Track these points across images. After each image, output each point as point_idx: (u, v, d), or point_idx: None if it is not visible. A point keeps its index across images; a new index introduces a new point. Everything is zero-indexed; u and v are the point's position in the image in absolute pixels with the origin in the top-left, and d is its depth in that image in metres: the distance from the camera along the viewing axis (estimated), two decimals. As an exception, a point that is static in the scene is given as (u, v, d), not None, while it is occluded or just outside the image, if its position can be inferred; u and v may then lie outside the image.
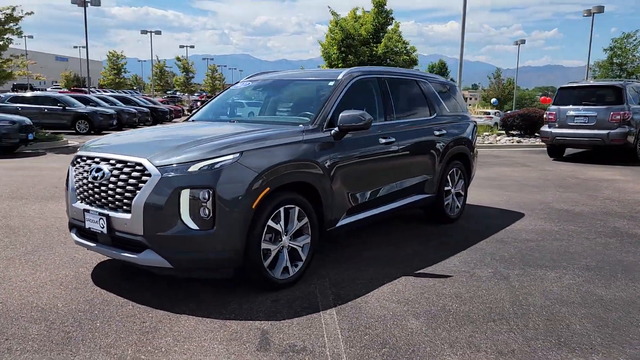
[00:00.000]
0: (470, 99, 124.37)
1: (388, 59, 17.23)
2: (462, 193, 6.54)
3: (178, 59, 55.36)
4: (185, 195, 3.56)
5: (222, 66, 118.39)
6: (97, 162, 3.95)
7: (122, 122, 24.22)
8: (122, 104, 27.68)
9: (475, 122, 7.10)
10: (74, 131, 21.57)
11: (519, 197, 8.08)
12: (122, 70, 55.09)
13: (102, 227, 3.82)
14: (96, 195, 3.90)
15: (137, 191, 3.64)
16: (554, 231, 6.00)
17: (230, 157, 3.70)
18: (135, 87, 77.54)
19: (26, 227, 5.89)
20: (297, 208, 4.09)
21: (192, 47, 71.51)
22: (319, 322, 3.48)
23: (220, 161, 3.65)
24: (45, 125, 19.92)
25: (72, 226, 4.27)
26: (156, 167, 3.63)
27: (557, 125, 13.49)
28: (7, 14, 16.42)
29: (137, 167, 3.70)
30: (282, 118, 5.07)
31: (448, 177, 6.17)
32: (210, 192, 3.56)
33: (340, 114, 4.48)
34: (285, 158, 4.00)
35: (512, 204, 7.57)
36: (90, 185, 3.95)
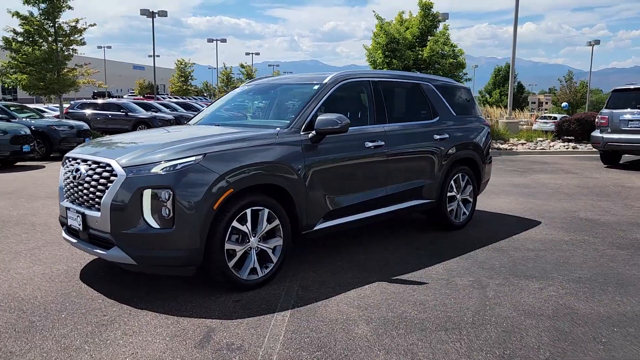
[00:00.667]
0: (546, 103, 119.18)
1: (436, 63, 16.93)
2: (470, 199, 6.35)
3: (242, 65, 56.88)
4: (147, 195, 3.72)
5: (288, 72, 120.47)
6: (78, 163, 4.20)
7: (180, 127, 25.17)
8: (183, 109, 28.84)
9: (488, 127, 6.87)
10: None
11: (544, 205, 7.72)
12: (190, 77, 57.24)
13: (79, 225, 4.05)
14: (75, 194, 4.15)
15: (106, 190, 3.84)
16: (562, 241, 5.70)
17: (192, 159, 3.82)
18: (205, 94, 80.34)
19: (46, 225, 6.31)
20: (266, 210, 4.16)
21: (257, 54, 73.37)
22: (268, 323, 3.53)
23: (181, 163, 3.78)
24: (110, 130, 21.21)
25: (62, 223, 4.54)
26: (122, 167, 3.81)
27: (609, 130, 12.74)
28: (71, 26, 17.58)
29: (107, 168, 3.90)
30: (265, 121, 5.15)
31: (452, 182, 6.02)
32: (170, 192, 3.69)
33: (317, 118, 4.51)
34: (251, 160, 4.07)
35: (533, 211, 7.26)
36: (71, 184, 4.21)
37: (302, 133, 4.52)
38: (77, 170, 4.13)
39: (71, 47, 17.97)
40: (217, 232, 3.86)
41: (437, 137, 5.79)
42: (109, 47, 71.44)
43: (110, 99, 35.31)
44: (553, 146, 17.13)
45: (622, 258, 5.08)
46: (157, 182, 3.72)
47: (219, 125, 5.05)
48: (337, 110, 4.95)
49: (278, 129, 4.51)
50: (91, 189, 3.98)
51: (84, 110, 23.24)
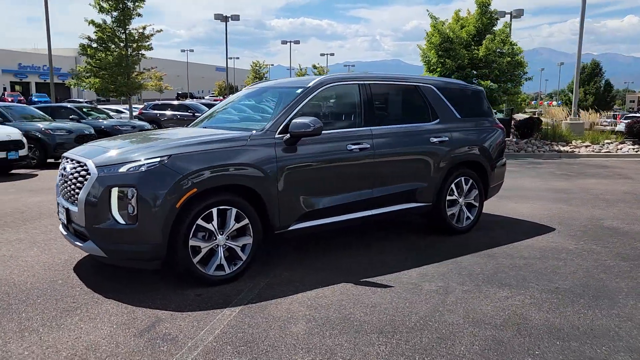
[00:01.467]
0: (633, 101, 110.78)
1: (493, 63, 16.35)
2: (476, 204, 6.18)
3: (314, 66, 57.66)
4: (115, 192, 4.01)
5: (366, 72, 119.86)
6: (67, 162, 4.59)
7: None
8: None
9: (502, 129, 6.64)
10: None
11: (571, 212, 7.33)
12: (265, 78, 58.91)
13: (65, 219, 4.43)
14: (63, 191, 4.54)
15: (82, 187, 4.18)
16: (564, 249, 5.43)
17: (157, 159, 4.07)
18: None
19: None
20: (234, 209, 4.33)
21: (332, 54, 74.00)
22: (213, 317, 3.69)
23: (146, 163, 4.04)
24: None
25: (59, 218, 4.96)
26: (95, 166, 4.13)
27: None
28: (139, 33, 18.73)
29: (84, 167, 4.24)
30: (248, 124, 5.29)
31: (453, 186, 5.90)
32: (135, 190, 3.96)
33: (292, 121, 4.62)
34: (217, 162, 4.26)
35: (554, 218, 6.92)
36: (61, 181, 4.60)
37: (277, 136, 4.64)
38: (65, 168, 4.51)
39: (140, 52, 19.10)
40: (180, 229, 4.08)
41: (435, 139, 5.71)
42: (192, 51, 74.81)
43: (184, 100, 37.05)
44: (621, 149, 16.04)
45: (619, 270, 4.78)
46: (123, 181, 4.00)
47: (207, 127, 5.29)
48: (320, 113, 5.05)
49: (254, 131, 4.67)
50: (72, 186, 4.34)
51: (155, 111, 24.64)
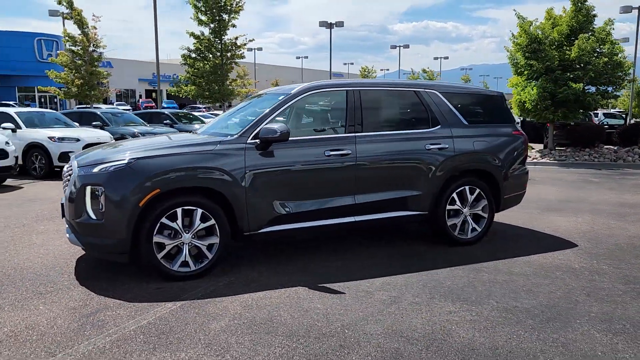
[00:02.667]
0: None
1: (587, 64, 15.06)
2: (484, 215, 5.86)
3: (424, 70, 56.63)
4: (88, 190, 4.46)
5: (485, 75, 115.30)
6: (70, 162, 5.16)
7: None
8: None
9: (522, 137, 6.21)
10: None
11: (613, 229, 6.65)
12: (373, 84, 59.03)
13: (61, 213, 4.99)
14: (64, 187, 5.11)
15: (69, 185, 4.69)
16: (567, 268, 4.99)
17: (125, 161, 4.46)
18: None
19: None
20: (199, 210, 4.59)
21: (446, 58, 72.20)
22: (153, 309, 3.97)
23: (114, 164, 4.44)
24: None
25: None
26: (77, 166, 4.63)
27: None
28: (233, 43, 19.91)
29: (72, 166, 4.76)
30: (228, 130, 5.43)
31: (455, 195, 5.66)
32: (102, 189, 4.38)
33: (262, 127, 4.79)
34: (181, 165, 4.54)
35: (587, 234, 6.33)
36: (64, 179, 5.18)
37: (249, 141, 4.83)
38: (64, 167, 5.09)
39: (233, 61, 20.30)
40: (144, 226, 4.42)
41: (431, 146, 5.53)
42: (306, 57, 76.99)
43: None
44: None
45: (607, 293, 4.31)
46: (94, 180, 4.44)
47: (205, 132, 5.61)
48: (301, 119, 5.14)
49: (229, 136, 4.90)
50: (65, 184, 4.88)
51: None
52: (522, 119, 19.65)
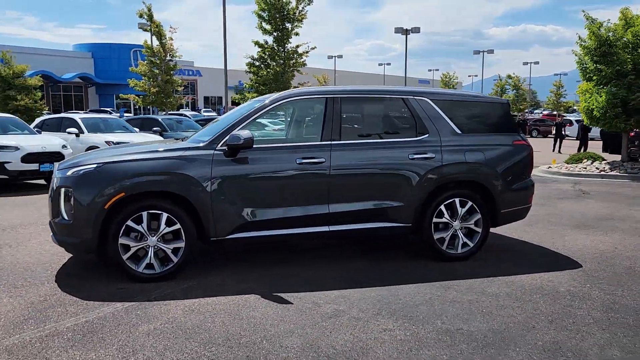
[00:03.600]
0: None
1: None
2: (477, 230, 5.52)
3: (509, 76, 54.37)
4: (62, 192, 4.73)
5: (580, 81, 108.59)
6: None
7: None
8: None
9: (527, 147, 5.79)
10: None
11: (632, 251, 6.01)
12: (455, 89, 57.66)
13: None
14: None
15: (52, 187, 5.01)
16: (545, 290, 4.58)
17: (93, 166, 4.69)
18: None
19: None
20: (165, 214, 4.72)
21: (537, 63, 68.87)
22: (100, 309, 4.12)
23: (83, 169, 4.69)
24: None
25: None
26: (57, 169, 4.92)
27: None
28: (294, 51, 20.28)
29: (54, 170, 5.08)
30: (203, 137, 5.40)
31: (443, 207, 5.39)
32: (72, 191, 4.63)
33: (229, 134, 4.85)
34: (146, 170, 4.71)
35: (600, 254, 5.78)
36: None
37: (219, 148, 4.89)
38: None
39: (295, 68, 20.66)
40: (110, 227, 4.62)
41: (416, 155, 5.30)
42: (389, 64, 76.45)
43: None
44: None
45: (574, 321, 3.91)
46: (66, 183, 4.71)
47: (172, 139, 5.77)
48: (277, 126, 5.14)
49: (200, 143, 5.00)
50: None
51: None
52: (599, 128, 18.31)
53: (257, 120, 5.20)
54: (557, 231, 6.93)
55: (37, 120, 15.58)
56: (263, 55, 20.43)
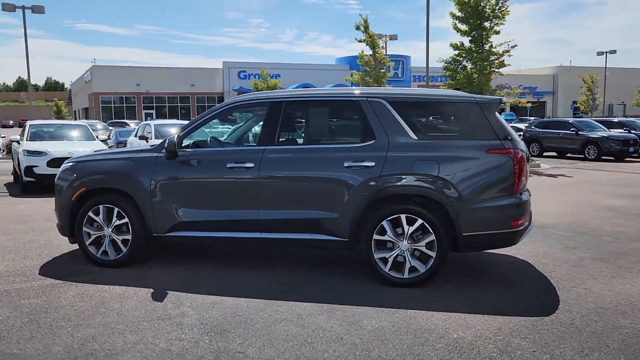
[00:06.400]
0: None
1: None
2: (431, 254, 4.66)
3: None
4: (56, 185, 5.80)
5: None
6: None
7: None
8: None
9: (508, 156, 4.58)
10: (582, 156, 21.26)
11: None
12: None
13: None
14: None
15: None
16: (452, 339, 3.68)
17: (70, 163, 5.62)
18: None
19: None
20: (116, 209, 5.36)
21: None
22: (40, 281, 4.95)
23: (65, 166, 5.66)
24: (558, 149, 22.21)
25: None
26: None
27: None
28: (489, 51, 18.81)
29: None
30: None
31: (385, 223, 4.74)
32: (57, 184, 5.65)
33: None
34: (102, 169, 5.44)
35: (594, 299, 4.25)
36: None
37: (162, 151, 5.30)
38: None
39: (493, 70, 19.11)
40: (77, 217, 5.47)
41: (352, 164, 4.79)
42: (614, 52, 60.00)
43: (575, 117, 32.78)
44: None
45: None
46: (58, 177, 5.73)
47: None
48: (225, 131, 5.34)
49: (154, 147, 5.49)
50: None
51: (538, 129, 23.63)
52: None
53: (205, 125, 5.44)
54: (574, 260, 5.24)
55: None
56: (457, 58, 19.46)
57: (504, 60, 19.09)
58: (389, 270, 4.76)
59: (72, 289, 4.74)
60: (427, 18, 22.66)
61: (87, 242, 5.47)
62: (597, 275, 5.09)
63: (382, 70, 25.43)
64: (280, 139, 5.12)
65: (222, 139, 5.90)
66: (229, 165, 5.08)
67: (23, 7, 26.82)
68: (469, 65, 19.58)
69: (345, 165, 4.81)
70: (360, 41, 25.49)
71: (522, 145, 4.80)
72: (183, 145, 5.33)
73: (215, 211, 5.16)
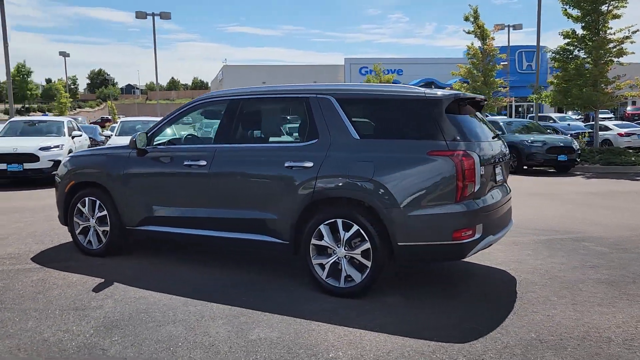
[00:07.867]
0: None
1: None
2: (366, 263, 4.28)
3: None
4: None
5: None
6: None
7: None
8: None
9: (451, 160, 4.01)
10: None
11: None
12: None
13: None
14: None
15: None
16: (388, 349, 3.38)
17: (68, 158, 6.07)
18: None
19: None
20: (97, 201, 5.70)
21: None
22: (23, 264, 5.44)
23: (64, 161, 6.12)
24: None
25: None
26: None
27: None
28: (603, 38, 16.69)
29: None
30: None
31: (323, 228, 4.45)
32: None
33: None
34: (86, 164, 5.80)
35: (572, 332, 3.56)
36: None
37: (133, 148, 5.51)
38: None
39: (609, 59, 16.93)
40: (69, 208, 5.91)
41: (293, 164, 4.56)
42: None
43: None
44: None
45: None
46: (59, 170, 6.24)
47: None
48: (189, 131, 5.45)
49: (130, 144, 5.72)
50: None
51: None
52: None
53: (175, 122, 5.54)
54: (570, 283, 4.38)
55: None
56: (568, 47, 17.40)
57: (624, 48, 16.77)
58: (326, 278, 4.47)
59: (39, 274, 5.12)
60: (539, 9, 20.76)
61: (77, 232, 5.87)
62: (582, 301, 4.29)
63: (490, 63, 23.84)
64: (235, 137, 5.05)
65: (199, 136, 6.00)
66: (185, 162, 5.13)
67: (153, 14, 29.59)
68: (582, 55, 17.54)
69: (286, 165, 4.60)
70: (468, 32, 24.13)
71: (477, 147, 4.21)
72: (157, 142, 5.50)
73: (176, 208, 5.25)
